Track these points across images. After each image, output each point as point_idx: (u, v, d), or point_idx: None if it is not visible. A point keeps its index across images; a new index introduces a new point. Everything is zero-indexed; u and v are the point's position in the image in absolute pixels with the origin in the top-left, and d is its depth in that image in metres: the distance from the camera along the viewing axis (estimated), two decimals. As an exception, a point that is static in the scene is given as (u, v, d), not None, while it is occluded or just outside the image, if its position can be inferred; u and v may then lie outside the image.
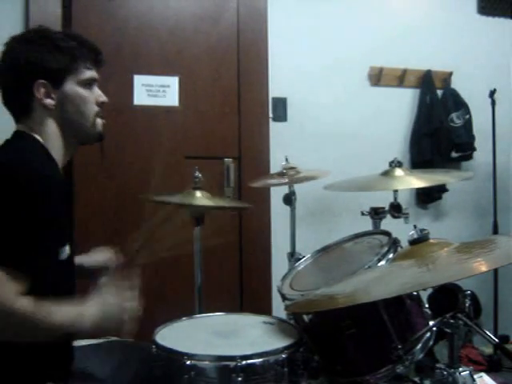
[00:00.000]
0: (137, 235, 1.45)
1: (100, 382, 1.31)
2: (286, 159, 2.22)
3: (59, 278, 1.17)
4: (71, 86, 1.25)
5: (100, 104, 1.32)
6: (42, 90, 1.22)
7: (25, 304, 1.05)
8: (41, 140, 1.24)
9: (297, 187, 2.23)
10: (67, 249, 1.18)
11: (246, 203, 2.13)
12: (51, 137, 1.25)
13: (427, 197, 2.98)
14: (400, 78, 2.93)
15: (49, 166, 1.20)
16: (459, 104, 2.96)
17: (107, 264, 1.47)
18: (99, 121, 1.32)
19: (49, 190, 1.11)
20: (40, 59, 1.22)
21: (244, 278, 2.66)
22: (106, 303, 1.17)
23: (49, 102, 1.23)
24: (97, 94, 1.31)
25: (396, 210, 2.04)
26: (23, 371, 1.14)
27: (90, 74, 1.29)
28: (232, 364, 1.21)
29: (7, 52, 1.24)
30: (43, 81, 1.22)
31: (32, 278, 1.07)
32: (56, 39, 1.24)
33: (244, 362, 1.21)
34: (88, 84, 1.29)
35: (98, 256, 1.49)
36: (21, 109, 1.25)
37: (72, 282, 1.28)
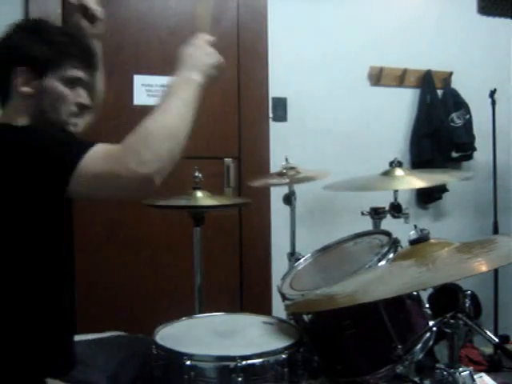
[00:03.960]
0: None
1: (101, 377, 1.31)
2: (286, 159, 2.21)
3: None
4: (52, 81, 1.22)
5: (79, 105, 1.26)
6: (21, 77, 1.20)
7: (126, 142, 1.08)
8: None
9: (297, 187, 2.23)
10: None
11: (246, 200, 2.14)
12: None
13: (427, 197, 2.97)
14: (400, 78, 2.93)
15: None
16: (459, 104, 2.95)
17: None
18: (73, 121, 1.26)
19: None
20: (23, 45, 1.20)
21: (244, 278, 2.66)
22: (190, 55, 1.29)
23: (25, 89, 1.20)
24: (78, 95, 1.26)
25: (396, 209, 2.04)
26: (21, 365, 1.13)
27: (76, 73, 1.24)
28: (232, 364, 1.21)
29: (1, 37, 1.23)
30: (23, 68, 1.19)
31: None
32: (49, 32, 1.23)
33: (244, 363, 1.21)
34: (71, 83, 1.24)
35: None
36: (1, 94, 1.24)
37: None
